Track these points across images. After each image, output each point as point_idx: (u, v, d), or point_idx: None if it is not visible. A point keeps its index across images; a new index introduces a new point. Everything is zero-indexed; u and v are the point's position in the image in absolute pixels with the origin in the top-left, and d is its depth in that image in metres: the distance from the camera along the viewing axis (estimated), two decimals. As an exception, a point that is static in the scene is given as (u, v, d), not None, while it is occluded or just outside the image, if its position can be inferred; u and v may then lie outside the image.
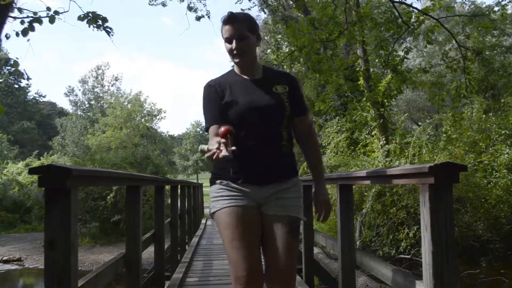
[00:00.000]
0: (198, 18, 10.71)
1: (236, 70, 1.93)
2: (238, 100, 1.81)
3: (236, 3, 11.53)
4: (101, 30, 6.56)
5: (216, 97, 1.84)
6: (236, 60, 1.85)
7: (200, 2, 10.55)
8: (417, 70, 9.44)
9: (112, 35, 6.69)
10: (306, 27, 8.20)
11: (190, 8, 10.52)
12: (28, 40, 6.76)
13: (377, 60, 9.38)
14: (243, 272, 1.70)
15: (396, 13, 8.16)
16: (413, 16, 8.07)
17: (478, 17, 9.75)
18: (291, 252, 1.79)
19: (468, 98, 9.17)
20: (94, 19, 6.42)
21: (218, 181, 1.84)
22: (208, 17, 10.83)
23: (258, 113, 1.79)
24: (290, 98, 1.88)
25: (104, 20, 6.47)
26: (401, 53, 8.82)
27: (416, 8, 8.48)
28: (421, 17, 8.14)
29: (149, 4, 11.39)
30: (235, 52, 1.82)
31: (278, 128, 1.84)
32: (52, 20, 6.00)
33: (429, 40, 8.40)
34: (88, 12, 6.41)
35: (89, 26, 6.44)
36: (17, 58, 6.84)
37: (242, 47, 1.81)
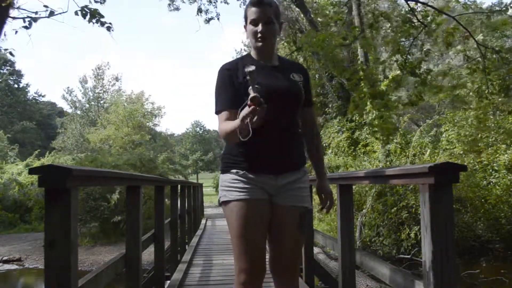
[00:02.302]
0: (208, 21, 10.60)
1: (254, 55, 1.89)
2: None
3: None
4: (99, 26, 6.67)
5: (233, 81, 1.78)
6: (259, 44, 1.80)
7: (210, 4, 10.38)
8: (437, 74, 9.19)
9: (112, 30, 6.81)
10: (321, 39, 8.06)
11: (200, 10, 10.42)
12: (30, 35, 6.94)
13: (395, 63, 9.08)
14: (247, 264, 1.72)
15: (410, 12, 7.99)
16: (430, 16, 7.90)
17: (495, 13, 9.39)
18: (299, 244, 1.87)
19: (490, 98, 8.93)
20: (92, 15, 6.51)
21: (234, 170, 1.79)
22: (218, 19, 10.70)
23: (278, 98, 1.76)
24: (304, 88, 1.89)
25: (100, 15, 6.56)
26: (419, 55, 8.54)
27: (432, 7, 8.30)
28: (437, 18, 7.91)
29: (169, 10, 11.51)
30: (260, 35, 1.78)
31: (295, 115, 1.85)
32: (51, 14, 6.17)
33: (449, 42, 8.18)
34: (83, 7, 6.48)
35: (89, 22, 6.55)
36: (13, 50, 7.10)
37: (268, 31, 1.79)
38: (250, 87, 1.52)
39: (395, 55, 8.35)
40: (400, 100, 8.87)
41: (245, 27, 1.87)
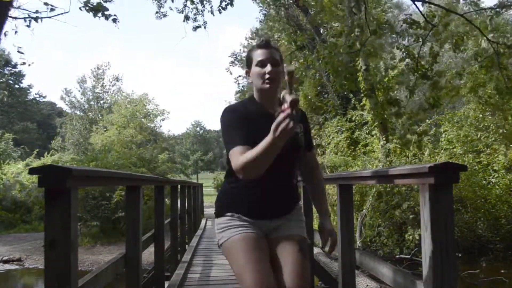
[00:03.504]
0: (195, 29, 11.01)
1: (257, 98, 1.82)
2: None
3: None
4: (104, 18, 6.81)
5: (242, 121, 1.71)
6: (267, 86, 1.74)
7: (199, 14, 10.68)
8: (451, 76, 9.03)
9: (118, 21, 7.02)
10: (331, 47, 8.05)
11: (187, 18, 10.76)
12: (33, 29, 7.03)
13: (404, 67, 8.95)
14: None
15: (411, 18, 7.91)
16: (436, 16, 7.81)
17: (505, 9, 9.17)
18: (305, 270, 1.72)
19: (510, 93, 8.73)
20: (96, 9, 6.62)
21: (229, 214, 1.79)
22: (205, 27, 11.03)
23: (281, 155, 1.65)
24: (304, 136, 1.85)
25: (104, 8, 6.69)
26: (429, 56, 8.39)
27: (440, 6, 8.19)
28: (444, 18, 7.81)
29: (156, 18, 12.07)
30: (268, 76, 1.73)
31: (294, 168, 1.85)
32: (52, 10, 6.34)
33: (461, 41, 8.06)
34: (86, 2, 6.60)
35: (94, 16, 6.68)
36: (20, 47, 7.22)
37: (276, 72, 1.74)
38: (285, 90, 1.44)
39: (405, 60, 8.26)
40: (421, 106, 8.76)
41: (247, 72, 1.82)
